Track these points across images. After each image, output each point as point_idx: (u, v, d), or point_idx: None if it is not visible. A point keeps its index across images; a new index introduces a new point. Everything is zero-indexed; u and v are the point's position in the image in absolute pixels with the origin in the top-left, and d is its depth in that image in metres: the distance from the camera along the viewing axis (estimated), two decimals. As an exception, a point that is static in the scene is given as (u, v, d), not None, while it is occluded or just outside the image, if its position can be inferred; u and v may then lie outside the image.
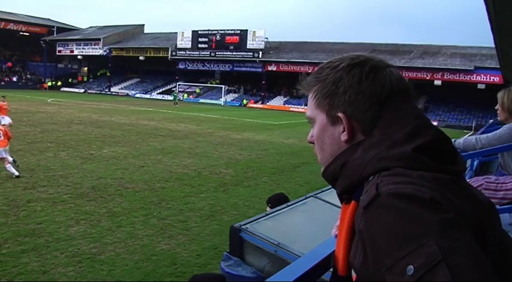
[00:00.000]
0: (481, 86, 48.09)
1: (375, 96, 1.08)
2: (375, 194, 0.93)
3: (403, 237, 0.86)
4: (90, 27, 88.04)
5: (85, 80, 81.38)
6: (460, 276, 0.79)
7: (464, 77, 48.98)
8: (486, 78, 48.56)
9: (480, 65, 49.30)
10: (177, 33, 68.52)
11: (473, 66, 49.49)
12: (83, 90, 71.88)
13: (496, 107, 3.99)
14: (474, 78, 49.10)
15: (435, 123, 30.63)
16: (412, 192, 0.90)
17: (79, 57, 78.40)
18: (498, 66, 35.17)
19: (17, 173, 11.53)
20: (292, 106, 58.10)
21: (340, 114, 1.11)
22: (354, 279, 1.13)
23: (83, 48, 77.01)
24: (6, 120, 18.24)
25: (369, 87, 1.09)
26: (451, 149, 1.07)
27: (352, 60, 1.14)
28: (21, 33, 77.90)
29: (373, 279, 0.94)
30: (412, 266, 0.82)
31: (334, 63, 1.16)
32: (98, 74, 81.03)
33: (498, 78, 44.40)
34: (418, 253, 0.83)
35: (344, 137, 1.12)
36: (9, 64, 77.75)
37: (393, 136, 1.04)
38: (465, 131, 36.76)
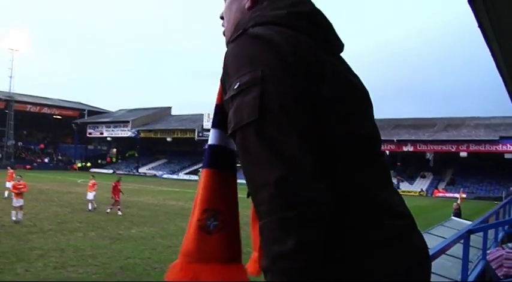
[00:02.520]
0: (508, 156, 47.71)
1: None
2: (240, 32, 1.22)
3: (242, 63, 1.14)
4: (119, 109, 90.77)
5: (114, 161, 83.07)
6: (267, 101, 1.07)
7: (490, 148, 48.73)
8: (512, 148, 48.43)
9: (505, 135, 49.25)
10: (203, 114, 70.05)
11: (498, 136, 49.41)
12: (111, 171, 72.96)
13: None
14: (500, 148, 48.93)
15: (464, 196, 29.57)
16: (265, 35, 1.18)
17: (108, 139, 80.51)
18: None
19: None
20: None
21: None
22: None
23: (112, 130, 79.07)
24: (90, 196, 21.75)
25: None
26: (327, 23, 1.35)
27: None
28: (54, 116, 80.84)
29: (226, 104, 1.22)
30: (239, 83, 1.10)
31: None
32: (127, 155, 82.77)
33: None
34: (246, 75, 1.10)
35: (248, 4, 1.38)
36: (42, 146, 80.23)
37: (278, 3, 1.30)
38: (495, 201, 35.98)
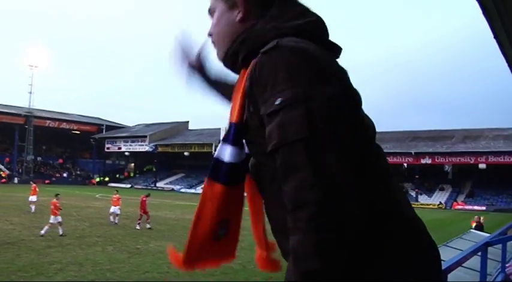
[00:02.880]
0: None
1: None
2: (275, 44, 1.18)
3: (282, 77, 1.12)
4: (137, 124, 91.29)
5: (132, 175, 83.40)
6: (315, 119, 1.07)
7: (510, 159, 47.97)
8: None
9: (525, 146, 48.65)
10: (220, 128, 70.23)
11: (517, 147, 48.80)
12: (129, 186, 73.30)
13: None
14: (519, 160, 48.24)
15: (483, 208, 29.36)
16: (304, 47, 1.17)
17: (126, 153, 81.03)
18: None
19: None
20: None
21: None
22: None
23: (130, 145, 79.54)
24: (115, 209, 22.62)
25: None
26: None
27: None
28: (72, 131, 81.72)
29: (252, 120, 1.25)
30: (281, 98, 1.09)
31: None
32: (144, 169, 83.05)
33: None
34: (288, 90, 1.10)
35: (239, 16, 1.36)
36: (61, 161, 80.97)
37: (289, 12, 1.30)
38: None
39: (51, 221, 17.63)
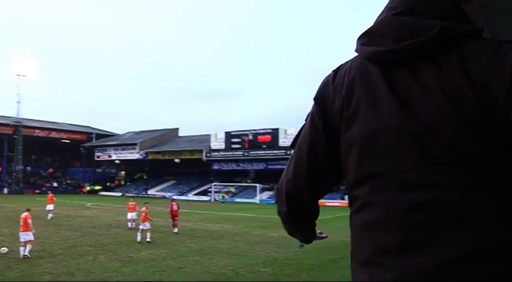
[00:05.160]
0: None
1: None
2: None
3: None
4: (127, 132, 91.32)
5: (122, 183, 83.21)
6: None
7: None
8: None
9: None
10: (210, 135, 70.28)
11: None
12: (120, 194, 73.10)
13: None
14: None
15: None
16: None
17: (117, 161, 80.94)
18: None
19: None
20: (328, 201, 57.67)
21: None
22: None
23: (120, 153, 79.51)
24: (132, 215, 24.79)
25: None
26: None
27: None
28: (62, 140, 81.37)
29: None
30: None
31: None
32: (135, 177, 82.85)
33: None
34: None
35: None
36: (51, 170, 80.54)
37: None
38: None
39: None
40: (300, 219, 1.72)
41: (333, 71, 1.45)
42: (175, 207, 24.05)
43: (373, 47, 1.31)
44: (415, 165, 1.20)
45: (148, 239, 19.16)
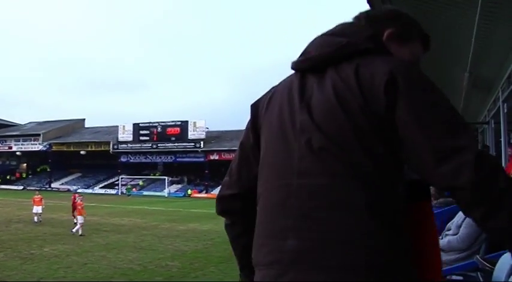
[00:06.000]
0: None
1: None
2: None
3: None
4: (29, 122, 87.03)
5: (24, 176, 79.13)
6: None
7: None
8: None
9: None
10: (118, 126, 68.65)
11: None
12: (21, 187, 69.79)
13: None
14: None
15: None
16: None
17: (18, 153, 76.93)
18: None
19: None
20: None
21: None
22: None
23: (22, 144, 75.85)
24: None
25: None
26: None
27: None
28: (-46, 131, 76.32)
29: None
30: None
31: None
32: (38, 169, 79.12)
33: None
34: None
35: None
36: None
37: None
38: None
39: None
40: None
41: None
42: (78, 200, 23.06)
43: (297, 59, 1.56)
44: (301, 155, 1.37)
45: (80, 233, 19.31)
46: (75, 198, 23.68)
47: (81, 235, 19.09)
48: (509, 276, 2.98)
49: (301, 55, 1.57)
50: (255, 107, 1.67)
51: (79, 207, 20.73)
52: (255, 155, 1.61)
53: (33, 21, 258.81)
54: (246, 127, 1.70)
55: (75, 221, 20.96)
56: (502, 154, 11.70)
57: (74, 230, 19.53)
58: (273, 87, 1.65)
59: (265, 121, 1.57)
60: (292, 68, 1.58)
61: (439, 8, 6.83)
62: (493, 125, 13.50)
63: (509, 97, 9.91)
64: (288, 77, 1.60)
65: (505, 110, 10.63)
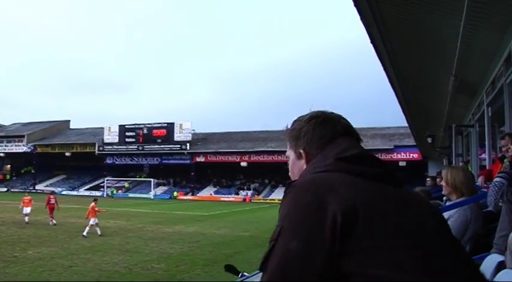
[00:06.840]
0: (402, 163, 50.69)
1: (323, 138, 1.53)
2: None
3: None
4: (13, 123, 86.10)
5: (8, 178, 78.30)
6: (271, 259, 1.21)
7: (386, 156, 50.77)
8: (406, 156, 52.09)
9: (399, 144, 52.62)
10: (103, 128, 68.23)
11: (393, 145, 52.80)
12: (5, 189, 69.05)
13: (440, 182, 4.59)
14: (395, 156, 51.95)
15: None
16: (298, 184, 1.34)
17: (1, 155, 76.07)
18: (415, 144, 37.57)
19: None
20: (223, 196, 58.32)
21: (301, 151, 1.57)
22: None
23: (5, 146, 75.04)
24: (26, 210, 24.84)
25: (319, 132, 1.54)
26: (376, 160, 1.45)
27: (312, 114, 1.61)
28: None
29: None
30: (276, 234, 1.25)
31: (301, 117, 1.63)
32: (22, 171, 78.42)
33: (417, 155, 47.61)
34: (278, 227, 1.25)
35: (304, 165, 1.55)
36: None
37: (328, 154, 1.46)
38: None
39: None
40: None
41: None
42: (52, 201, 25.07)
43: None
44: None
45: (99, 233, 20.24)
46: (49, 199, 25.16)
47: (100, 235, 20.00)
48: (492, 278, 3.01)
49: None
50: None
51: (92, 210, 21.07)
52: None
53: (16, 20, 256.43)
54: None
55: (52, 222, 23.33)
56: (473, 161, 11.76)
57: (85, 233, 19.70)
58: None
59: None
60: None
61: (425, 11, 6.89)
62: (477, 129, 13.61)
63: (494, 101, 10.00)
64: None
65: (490, 114, 10.74)
